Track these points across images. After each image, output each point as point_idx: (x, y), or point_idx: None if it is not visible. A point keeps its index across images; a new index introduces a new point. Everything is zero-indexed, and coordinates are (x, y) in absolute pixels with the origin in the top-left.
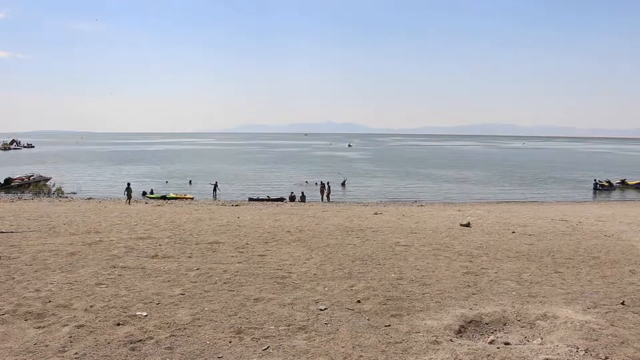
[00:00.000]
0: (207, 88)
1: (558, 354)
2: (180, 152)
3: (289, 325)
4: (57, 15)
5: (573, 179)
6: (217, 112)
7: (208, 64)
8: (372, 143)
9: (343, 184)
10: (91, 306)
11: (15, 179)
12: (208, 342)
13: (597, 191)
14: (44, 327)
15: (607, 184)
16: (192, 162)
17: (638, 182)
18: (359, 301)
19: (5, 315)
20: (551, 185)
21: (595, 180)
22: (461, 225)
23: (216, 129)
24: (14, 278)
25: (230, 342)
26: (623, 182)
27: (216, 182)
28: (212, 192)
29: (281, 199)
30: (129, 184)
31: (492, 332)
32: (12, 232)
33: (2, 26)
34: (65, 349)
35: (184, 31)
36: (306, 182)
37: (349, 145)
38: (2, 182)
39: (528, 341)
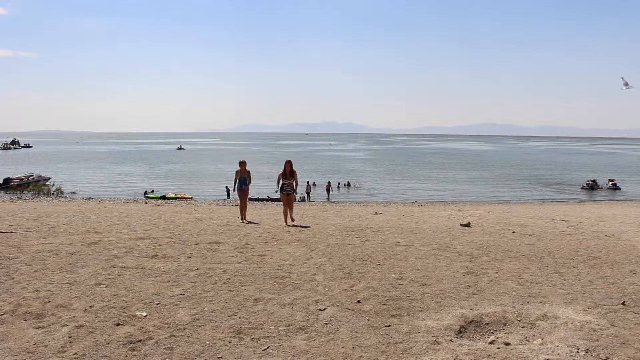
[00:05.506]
0: (207, 88)
1: (558, 354)
2: (195, 151)
3: (288, 326)
4: (57, 14)
5: (574, 179)
6: (218, 111)
7: (208, 63)
8: (376, 143)
9: (348, 185)
10: (91, 306)
11: (14, 179)
12: (208, 342)
13: (587, 190)
14: (43, 327)
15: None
16: (217, 162)
17: (614, 181)
18: (359, 301)
19: (5, 316)
20: (551, 185)
21: (590, 180)
22: (461, 225)
23: (217, 128)
24: (13, 278)
25: (230, 342)
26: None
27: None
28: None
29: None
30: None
31: (493, 333)
32: (12, 232)
33: (3, 25)
34: (65, 349)
35: (183, 30)
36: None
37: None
38: (1, 182)
39: (528, 341)
